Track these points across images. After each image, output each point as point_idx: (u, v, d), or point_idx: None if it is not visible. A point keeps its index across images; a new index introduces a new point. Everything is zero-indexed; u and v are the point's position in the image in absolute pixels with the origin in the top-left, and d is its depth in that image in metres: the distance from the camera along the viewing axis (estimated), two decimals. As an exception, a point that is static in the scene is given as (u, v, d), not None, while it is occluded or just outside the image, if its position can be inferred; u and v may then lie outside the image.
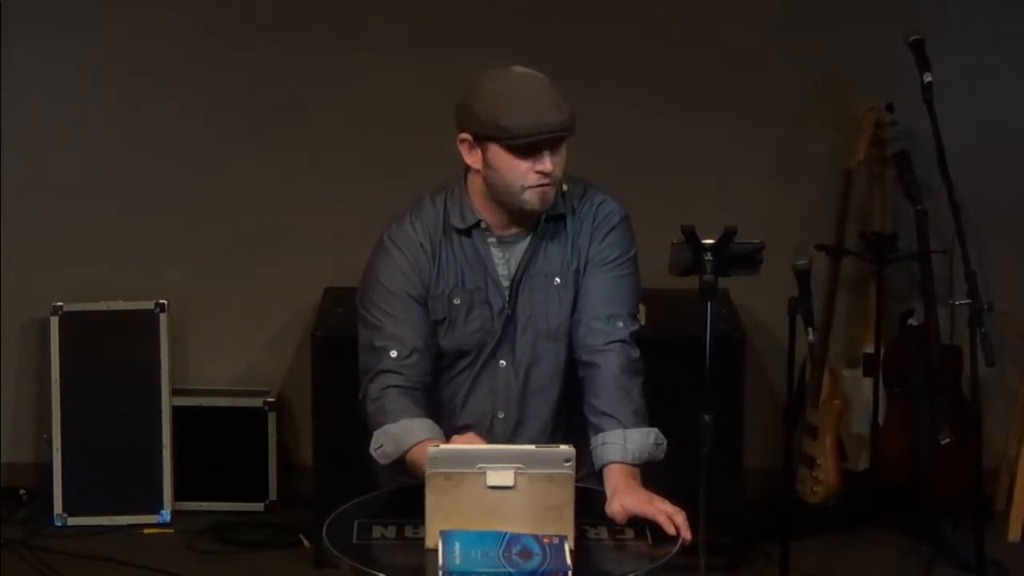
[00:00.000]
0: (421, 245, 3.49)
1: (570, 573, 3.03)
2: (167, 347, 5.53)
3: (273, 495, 5.63)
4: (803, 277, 4.81)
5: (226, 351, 5.75)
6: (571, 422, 3.56)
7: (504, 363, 3.53)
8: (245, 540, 5.45)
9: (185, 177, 5.69)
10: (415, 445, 3.35)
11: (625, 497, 3.28)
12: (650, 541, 3.22)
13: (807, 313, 4.73)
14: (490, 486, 3.10)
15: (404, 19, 5.59)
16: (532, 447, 3.18)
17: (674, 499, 3.28)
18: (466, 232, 3.50)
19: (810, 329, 4.72)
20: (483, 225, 3.49)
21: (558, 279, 3.51)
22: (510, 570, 3.01)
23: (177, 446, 5.55)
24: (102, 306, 5.56)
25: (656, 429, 3.43)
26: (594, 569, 3.13)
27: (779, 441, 5.05)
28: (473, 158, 3.43)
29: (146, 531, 5.50)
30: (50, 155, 5.67)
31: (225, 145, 5.68)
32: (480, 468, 3.11)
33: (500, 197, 3.44)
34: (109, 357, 5.56)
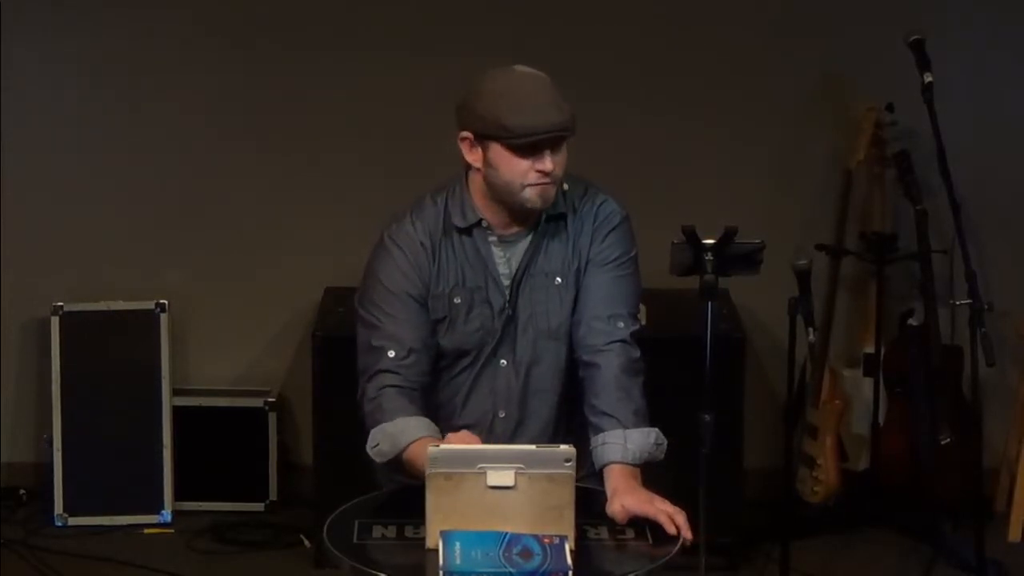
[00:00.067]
0: (421, 244, 3.49)
1: (570, 573, 3.03)
2: (167, 347, 5.53)
3: (273, 495, 5.63)
4: (803, 277, 4.81)
5: (226, 351, 5.76)
6: (572, 422, 3.56)
7: (505, 362, 3.53)
8: (245, 540, 5.45)
9: (185, 177, 5.69)
10: (411, 443, 3.35)
11: (626, 497, 3.28)
12: (650, 541, 3.22)
13: (807, 313, 4.73)
14: (490, 486, 3.10)
15: (404, 19, 5.59)
16: (532, 447, 3.18)
17: (674, 499, 3.28)
18: (467, 231, 3.50)
19: (810, 329, 4.72)
20: (484, 224, 3.49)
21: (559, 278, 3.51)
22: (510, 570, 3.01)
23: (177, 446, 5.55)
24: (102, 306, 5.56)
25: (656, 429, 3.43)
26: (594, 569, 3.13)
27: (779, 441, 5.05)
28: (473, 156, 3.43)
29: (146, 531, 5.50)
30: (50, 155, 5.67)
31: (225, 145, 5.68)
32: (480, 468, 3.11)
33: (500, 196, 3.44)
34: (109, 357, 5.56)
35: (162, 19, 5.60)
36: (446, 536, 3.07)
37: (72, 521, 5.50)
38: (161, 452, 5.52)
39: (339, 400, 3.61)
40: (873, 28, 5.51)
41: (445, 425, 3.53)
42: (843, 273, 5.58)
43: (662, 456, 3.43)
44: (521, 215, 3.48)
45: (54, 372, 5.53)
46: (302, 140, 5.66)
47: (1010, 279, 5.60)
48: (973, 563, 4.95)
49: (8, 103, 5.55)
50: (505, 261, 3.51)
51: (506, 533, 3.07)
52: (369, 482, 3.53)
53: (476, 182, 3.48)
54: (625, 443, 3.38)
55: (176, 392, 5.58)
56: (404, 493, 3.33)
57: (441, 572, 3.02)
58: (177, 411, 5.56)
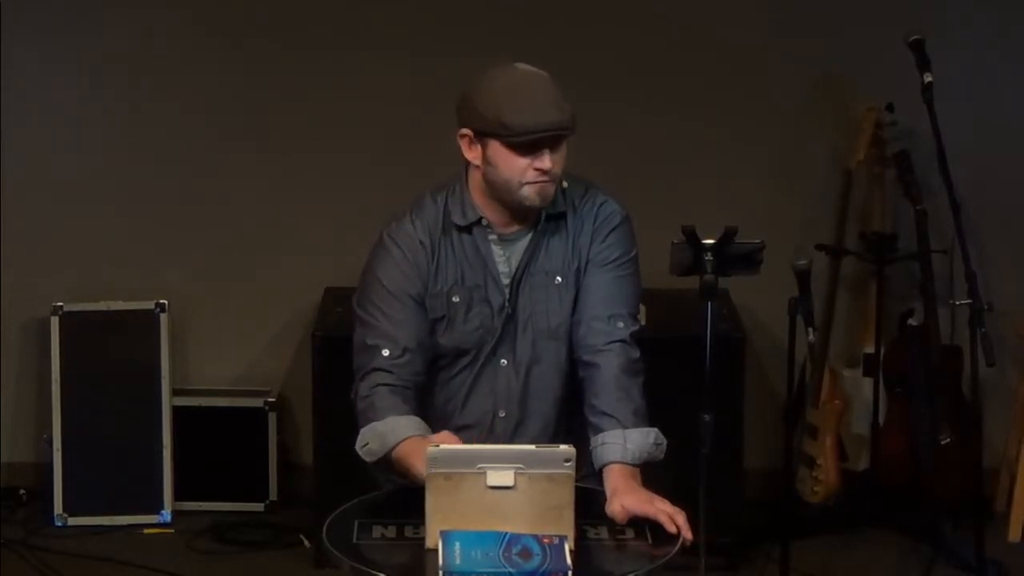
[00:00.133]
0: (420, 242, 3.49)
1: (570, 573, 3.03)
2: (167, 347, 5.54)
3: (273, 495, 5.63)
4: (803, 277, 4.81)
5: (226, 351, 5.76)
6: (572, 422, 3.56)
7: (505, 362, 3.53)
8: (245, 540, 5.45)
9: (185, 177, 5.69)
10: (400, 443, 3.35)
11: (625, 497, 3.28)
12: (650, 541, 3.22)
13: (807, 313, 4.73)
14: (490, 486, 3.10)
15: (404, 19, 5.59)
16: (532, 447, 3.18)
17: (674, 499, 3.28)
18: (467, 229, 3.50)
19: (810, 329, 4.71)
20: (484, 222, 3.49)
21: (559, 278, 3.51)
22: (510, 570, 3.01)
23: (177, 446, 5.55)
24: (102, 306, 5.56)
25: (656, 429, 3.43)
26: (594, 569, 3.13)
27: (779, 441, 5.05)
28: (473, 154, 3.43)
29: (146, 531, 5.50)
30: (50, 155, 5.67)
31: (225, 145, 5.68)
32: (480, 468, 3.11)
33: (499, 193, 3.44)
34: (109, 357, 5.56)
35: (162, 19, 5.60)
36: (446, 536, 3.07)
37: (72, 521, 5.50)
38: (161, 452, 5.52)
39: (339, 400, 3.60)
40: (873, 28, 5.52)
41: (445, 424, 3.53)
42: (843, 273, 5.58)
43: (662, 456, 3.43)
44: (521, 213, 3.48)
45: (54, 372, 5.53)
46: (302, 140, 5.66)
47: (1010, 279, 5.60)
48: (973, 563, 4.95)
49: (8, 103, 5.55)
50: (505, 260, 3.51)
51: (506, 533, 3.07)
52: (369, 482, 3.53)
53: (476, 180, 3.48)
54: (625, 443, 3.38)
55: (176, 392, 5.58)
56: (404, 493, 3.32)
57: (441, 572, 3.02)
58: (177, 411, 5.56)
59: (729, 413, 4.96)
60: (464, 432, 3.53)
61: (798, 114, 5.63)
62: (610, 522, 3.27)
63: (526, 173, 3.38)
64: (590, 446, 3.42)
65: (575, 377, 3.52)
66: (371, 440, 3.40)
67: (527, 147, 3.36)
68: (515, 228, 3.51)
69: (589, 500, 3.27)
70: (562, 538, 3.08)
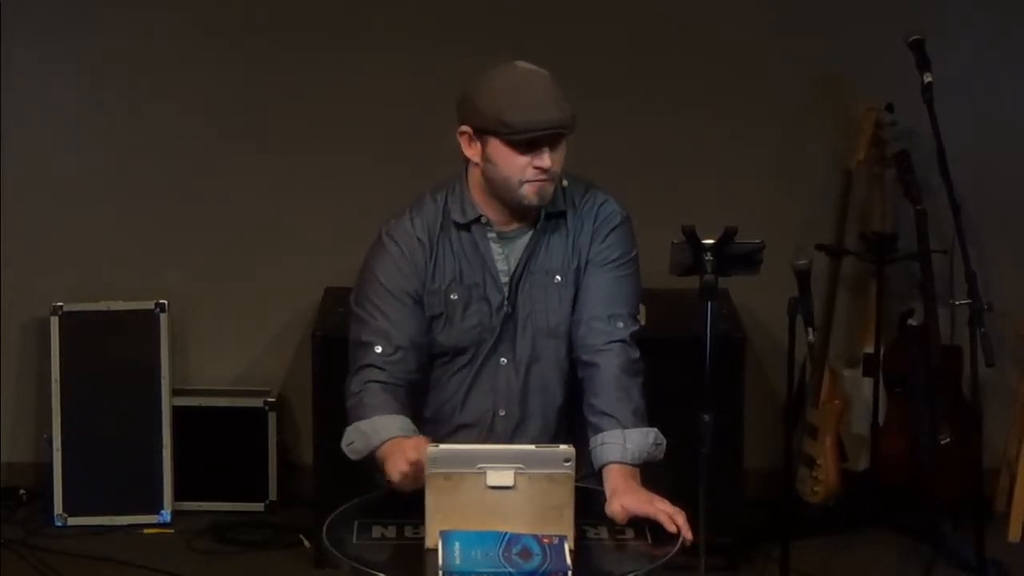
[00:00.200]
0: (418, 240, 3.49)
1: (570, 573, 3.03)
2: (167, 347, 5.53)
3: (273, 495, 5.63)
4: (803, 277, 4.80)
5: (226, 351, 5.76)
6: (572, 422, 3.56)
7: (504, 360, 3.53)
8: (245, 540, 5.45)
9: (185, 177, 5.69)
10: (383, 443, 3.36)
11: (625, 497, 3.28)
12: (650, 541, 3.22)
13: (807, 313, 4.73)
14: (490, 486, 3.11)
15: (404, 19, 5.59)
16: (532, 447, 3.18)
17: (674, 499, 3.28)
18: (466, 227, 3.50)
19: (810, 329, 4.71)
20: (483, 220, 3.49)
21: (558, 276, 3.51)
22: (510, 570, 3.01)
23: (177, 446, 5.55)
24: (102, 306, 5.56)
25: (655, 429, 3.44)
26: (594, 569, 3.13)
27: (779, 441, 5.05)
28: (472, 151, 3.44)
29: (146, 531, 5.50)
30: (50, 155, 5.67)
31: (225, 145, 5.68)
32: (480, 468, 3.11)
33: (498, 191, 3.44)
34: (109, 357, 5.55)
35: (162, 19, 5.60)
36: (446, 536, 3.07)
37: (72, 521, 5.50)
38: (161, 452, 5.52)
39: (339, 400, 3.60)
40: (873, 28, 5.51)
41: (446, 423, 3.54)
42: (843, 273, 5.58)
43: (661, 456, 3.43)
44: (520, 212, 3.48)
45: (54, 372, 5.53)
46: (302, 140, 5.66)
47: (1010, 279, 5.60)
48: (973, 563, 4.96)
49: (8, 103, 5.55)
50: (504, 258, 3.51)
51: (506, 533, 3.07)
52: (369, 482, 3.53)
53: (475, 178, 3.48)
54: (624, 443, 3.38)
55: (176, 392, 5.58)
56: (404, 493, 3.32)
57: (441, 572, 3.02)
58: (177, 411, 5.56)
59: (729, 413, 4.96)
60: (464, 431, 3.54)
61: (798, 114, 5.63)
62: (610, 522, 3.27)
63: (525, 171, 3.38)
64: (590, 446, 3.42)
65: (575, 376, 3.52)
66: (356, 439, 3.42)
67: (526, 145, 3.36)
68: (514, 226, 3.51)
69: (589, 500, 3.27)
70: (562, 538, 3.08)
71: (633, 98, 5.59)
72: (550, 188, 3.43)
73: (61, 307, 5.53)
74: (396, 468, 3.26)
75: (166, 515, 5.52)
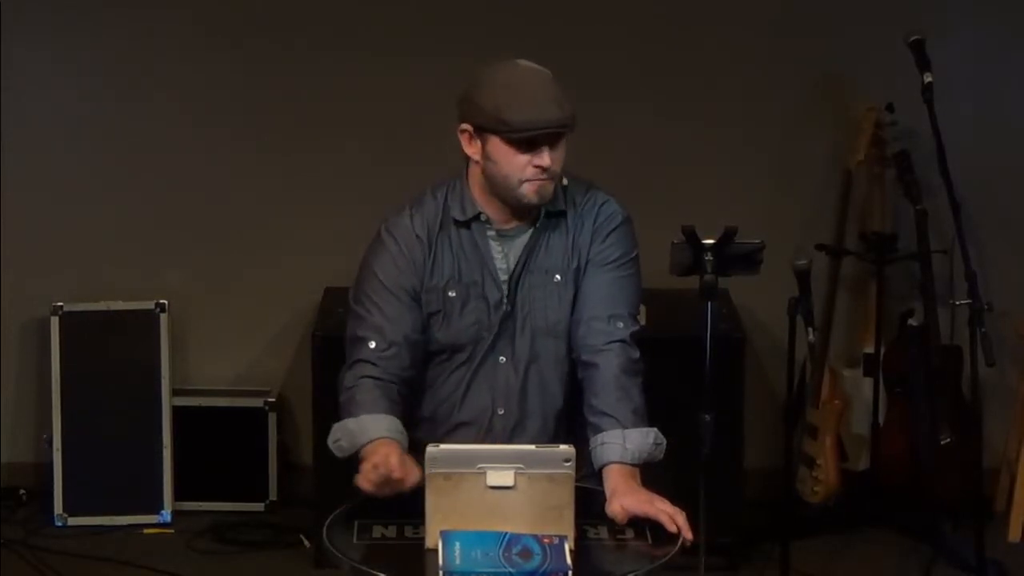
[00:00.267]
0: (417, 236, 3.49)
1: (570, 573, 3.03)
2: (167, 347, 5.53)
3: (273, 495, 5.63)
4: (803, 277, 4.81)
5: (226, 351, 5.76)
6: (572, 422, 3.56)
7: (503, 359, 3.53)
8: (245, 540, 5.44)
9: (185, 177, 5.69)
10: (368, 444, 3.36)
11: (625, 497, 3.28)
12: (650, 541, 3.22)
13: (807, 313, 4.73)
14: (490, 486, 3.11)
15: (404, 19, 5.59)
16: (532, 447, 3.18)
17: (674, 499, 3.28)
18: (465, 224, 3.50)
19: (810, 329, 4.71)
20: (483, 218, 3.50)
21: (558, 276, 3.51)
22: (510, 570, 3.01)
23: (177, 446, 5.55)
24: (102, 306, 5.56)
25: (655, 429, 3.43)
26: (594, 569, 3.13)
27: (779, 441, 5.05)
28: (472, 149, 3.44)
29: (146, 531, 5.50)
30: (50, 155, 5.66)
31: (225, 145, 5.68)
32: (480, 468, 3.11)
33: (497, 190, 3.45)
34: (109, 357, 5.55)
35: (162, 19, 5.60)
36: (446, 536, 3.07)
37: (72, 521, 5.50)
38: (161, 452, 5.52)
39: (338, 399, 3.61)
40: (873, 28, 5.51)
41: (445, 421, 3.54)
42: (843, 273, 5.58)
43: (661, 456, 3.43)
44: (520, 210, 3.48)
45: (54, 372, 5.53)
46: (302, 140, 5.66)
47: (1010, 279, 5.60)
48: (973, 563, 4.96)
49: (8, 103, 5.55)
50: (503, 256, 3.51)
51: (506, 533, 3.07)
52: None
53: (476, 175, 3.48)
54: (624, 443, 3.38)
55: (176, 392, 5.58)
56: (404, 493, 3.32)
57: (441, 572, 3.02)
58: (177, 411, 5.56)
59: (729, 413, 4.96)
60: (463, 429, 3.54)
61: (798, 114, 5.63)
62: (610, 522, 3.27)
63: (525, 170, 3.39)
64: (590, 446, 3.42)
65: (575, 376, 3.52)
66: (342, 436, 3.44)
67: (526, 144, 3.36)
68: (514, 224, 3.51)
69: (589, 500, 3.27)
70: (562, 538, 3.08)
71: (633, 98, 5.59)
72: (550, 187, 3.43)
73: (61, 307, 5.53)
74: (362, 475, 3.26)
75: (166, 515, 5.52)
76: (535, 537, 3.07)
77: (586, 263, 3.52)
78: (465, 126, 3.43)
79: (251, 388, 5.69)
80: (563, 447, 3.13)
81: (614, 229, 3.53)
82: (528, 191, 3.41)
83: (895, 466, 5.51)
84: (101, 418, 5.52)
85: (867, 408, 5.52)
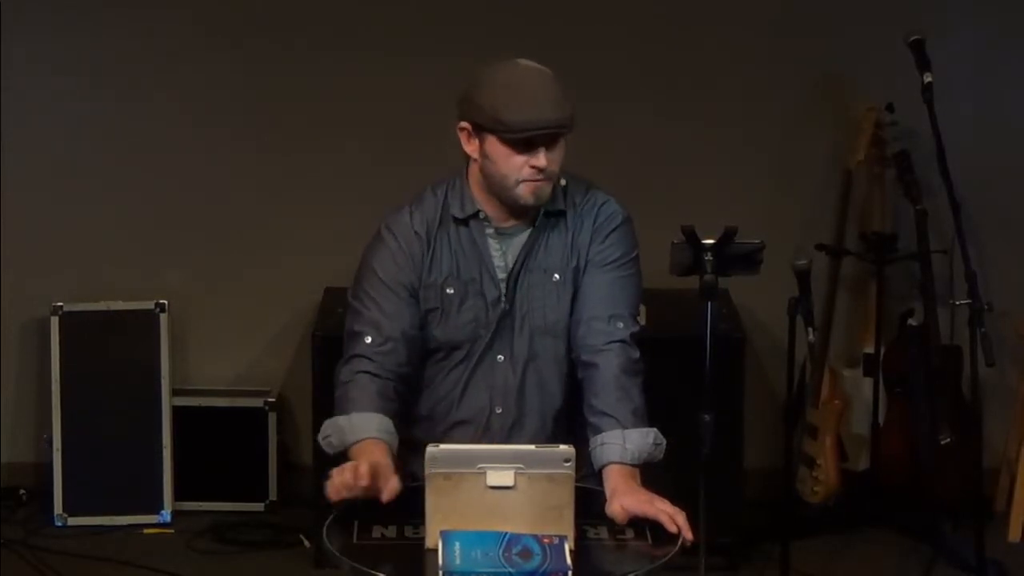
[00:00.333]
0: (416, 233, 3.49)
1: (570, 573, 3.03)
2: (167, 347, 5.53)
3: (273, 495, 5.63)
4: (803, 277, 4.81)
5: (226, 351, 5.76)
6: (572, 422, 3.56)
7: (502, 358, 3.53)
8: (245, 540, 5.44)
9: (185, 177, 5.69)
10: (357, 443, 3.36)
11: (625, 497, 3.28)
12: (650, 541, 3.22)
13: (807, 313, 4.73)
14: (490, 486, 3.10)
15: (404, 19, 5.59)
16: (532, 447, 3.18)
17: (674, 499, 3.28)
18: (464, 222, 3.50)
19: (810, 329, 4.71)
20: (482, 215, 3.50)
21: (557, 275, 3.51)
22: (510, 570, 3.01)
23: (177, 446, 5.55)
24: (102, 306, 5.56)
25: (655, 429, 3.43)
26: (594, 569, 3.13)
27: (779, 441, 5.05)
28: (471, 147, 3.44)
29: (146, 531, 5.50)
30: (50, 155, 5.67)
31: (225, 145, 5.68)
32: (480, 468, 3.11)
33: (495, 189, 3.45)
34: (109, 357, 5.55)
35: (162, 19, 5.60)
36: (446, 536, 3.07)
37: (72, 521, 5.50)
38: (161, 452, 5.52)
39: (337, 398, 3.61)
40: (873, 28, 5.52)
41: (442, 420, 3.54)
42: (843, 273, 5.58)
43: (661, 456, 3.43)
44: (517, 209, 3.48)
45: (54, 372, 5.53)
46: (302, 140, 5.66)
47: (1010, 279, 5.60)
48: (973, 563, 4.96)
49: (8, 103, 5.55)
50: (501, 254, 3.51)
51: (506, 533, 3.07)
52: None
53: (475, 174, 3.49)
54: (624, 443, 3.38)
55: (176, 392, 5.58)
56: (404, 493, 3.32)
57: (441, 572, 3.02)
58: (177, 411, 5.56)
59: (729, 413, 4.96)
60: (460, 427, 3.54)
61: (798, 114, 5.63)
62: (610, 522, 3.27)
63: (522, 170, 3.39)
64: (590, 446, 3.42)
65: (574, 376, 3.52)
66: (332, 434, 3.45)
67: (523, 144, 3.36)
68: (513, 223, 3.51)
69: (589, 500, 3.27)
70: (562, 538, 3.08)
71: (633, 98, 5.59)
72: (547, 188, 3.43)
73: (61, 307, 5.53)
74: (329, 483, 3.24)
75: (166, 515, 5.52)
76: (535, 537, 3.07)
77: (586, 263, 3.51)
78: (464, 124, 3.44)
79: (251, 388, 5.69)
80: (563, 447, 3.13)
81: (614, 229, 3.53)
82: (524, 191, 3.41)
83: (895, 466, 5.51)
84: (101, 418, 5.52)
85: (867, 408, 5.52)
